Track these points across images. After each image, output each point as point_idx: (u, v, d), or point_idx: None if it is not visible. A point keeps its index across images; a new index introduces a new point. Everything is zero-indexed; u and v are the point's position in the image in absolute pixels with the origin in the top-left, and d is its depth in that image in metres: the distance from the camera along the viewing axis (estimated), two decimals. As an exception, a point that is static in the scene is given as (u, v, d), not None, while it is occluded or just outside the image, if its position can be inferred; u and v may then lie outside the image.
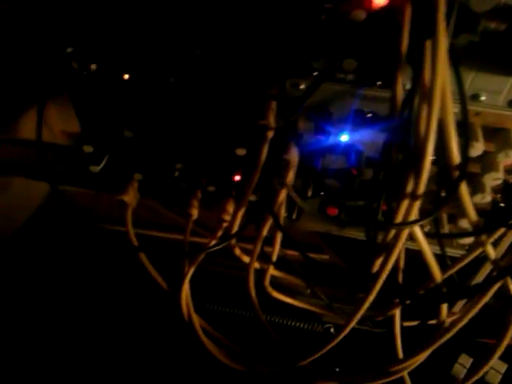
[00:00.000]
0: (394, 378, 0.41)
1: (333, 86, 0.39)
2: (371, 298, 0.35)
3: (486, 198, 0.42)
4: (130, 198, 0.49)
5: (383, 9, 0.32)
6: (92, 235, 0.65)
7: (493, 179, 0.40)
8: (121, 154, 0.48)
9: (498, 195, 0.45)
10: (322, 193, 0.47)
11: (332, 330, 0.61)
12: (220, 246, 0.45)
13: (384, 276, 0.33)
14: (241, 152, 0.43)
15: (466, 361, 0.60)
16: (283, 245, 0.45)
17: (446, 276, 0.36)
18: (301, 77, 0.39)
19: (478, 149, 0.38)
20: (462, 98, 0.31)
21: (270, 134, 0.40)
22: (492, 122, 0.39)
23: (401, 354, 0.44)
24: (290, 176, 0.40)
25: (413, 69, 0.31)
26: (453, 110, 0.28)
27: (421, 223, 0.31)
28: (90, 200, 0.64)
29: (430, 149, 0.26)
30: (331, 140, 0.42)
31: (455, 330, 0.37)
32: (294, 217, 0.48)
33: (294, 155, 0.42)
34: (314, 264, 0.48)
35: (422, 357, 0.39)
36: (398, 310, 0.41)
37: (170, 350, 0.59)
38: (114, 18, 0.39)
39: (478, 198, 0.42)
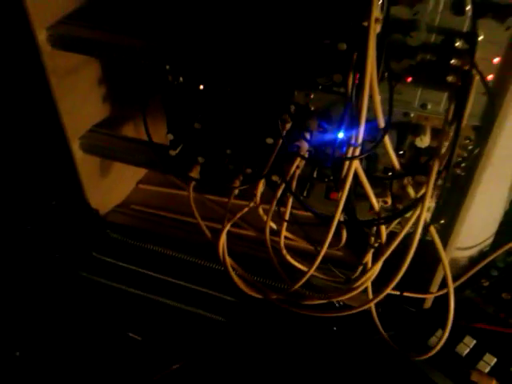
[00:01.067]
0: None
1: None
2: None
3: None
4: (195, 174, 0.72)
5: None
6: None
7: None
8: (190, 143, 0.70)
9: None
10: (327, 179, 0.67)
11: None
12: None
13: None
14: (269, 141, 0.64)
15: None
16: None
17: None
18: (311, 89, 0.60)
19: (425, 141, 0.57)
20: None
21: (288, 126, 0.61)
22: (437, 125, 0.58)
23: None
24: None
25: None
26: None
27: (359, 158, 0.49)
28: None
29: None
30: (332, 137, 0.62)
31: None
32: (304, 194, 0.67)
33: (303, 145, 0.62)
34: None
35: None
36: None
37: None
38: (198, 49, 0.63)
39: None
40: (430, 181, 0.49)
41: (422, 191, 0.51)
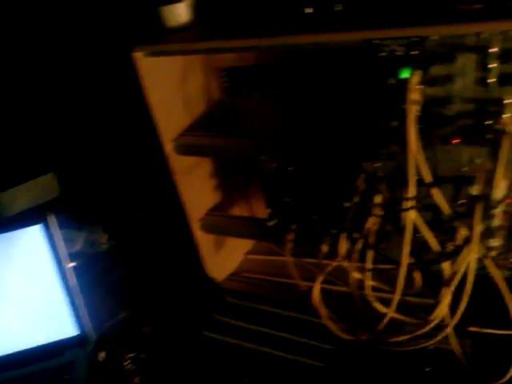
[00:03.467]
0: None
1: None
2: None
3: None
4: (290, 239, 0.87)
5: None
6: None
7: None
8: (284, 213, 0.87)
9: None
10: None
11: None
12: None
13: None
14: (347, 204, 0.78)
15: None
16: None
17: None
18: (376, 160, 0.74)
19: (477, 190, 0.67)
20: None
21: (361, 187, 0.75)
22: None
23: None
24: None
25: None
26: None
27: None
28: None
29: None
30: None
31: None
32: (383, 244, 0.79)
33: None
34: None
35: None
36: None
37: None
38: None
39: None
40: (475, 220, 0.59)
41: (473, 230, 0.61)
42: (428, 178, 0.61)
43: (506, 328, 0.74)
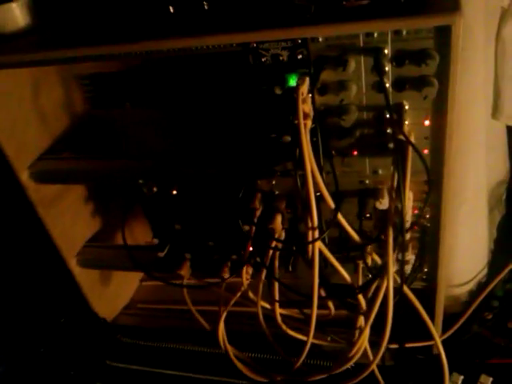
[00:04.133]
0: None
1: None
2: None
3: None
4: (185, 271, 0.76)
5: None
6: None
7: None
8: (175, 242, 0.75)
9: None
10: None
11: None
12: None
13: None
14: (246, 228, 0.69)
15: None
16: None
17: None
18: (272, 177, 0.65)
19: (384, 203, 0.60)
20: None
21: (258, 212, 0.65)
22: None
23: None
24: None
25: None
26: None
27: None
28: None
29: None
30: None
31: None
32: (290, 269, 0.70)
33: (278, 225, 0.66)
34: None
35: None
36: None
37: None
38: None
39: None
40: (389, 247, 0.53)
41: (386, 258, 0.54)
42: (331, 203, 0.53)
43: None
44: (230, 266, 0.74)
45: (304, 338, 0.67)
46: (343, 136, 0.57)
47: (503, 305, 0.82)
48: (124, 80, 0.76)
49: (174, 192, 0.71)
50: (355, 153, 0.60)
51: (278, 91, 0.55)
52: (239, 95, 0.62)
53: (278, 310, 0.68)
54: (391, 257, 0.52)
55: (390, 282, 0.52)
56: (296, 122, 0.52)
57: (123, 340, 0.89)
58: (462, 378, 0.74)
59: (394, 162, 0.56)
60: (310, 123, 0.52)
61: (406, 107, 0.55)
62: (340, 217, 0.53)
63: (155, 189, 0.71)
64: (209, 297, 0.80)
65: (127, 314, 0.95)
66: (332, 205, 0.52)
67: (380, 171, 0.61)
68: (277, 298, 0.67)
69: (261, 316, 0.67)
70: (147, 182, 0.70)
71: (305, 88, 0.53)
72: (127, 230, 0.89)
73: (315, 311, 0.56)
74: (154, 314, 0.94)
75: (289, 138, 0.58)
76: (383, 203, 0.60)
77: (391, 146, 0.57)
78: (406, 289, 0.57)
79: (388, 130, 0.57)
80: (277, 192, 0.66)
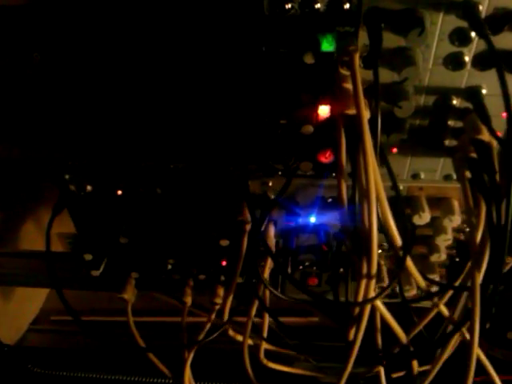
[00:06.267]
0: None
1: (296, 180, 0.46)
2: (349, 365, 0.40)
3: (442, 256, 0.48)
4: (129, 294, 0.55)
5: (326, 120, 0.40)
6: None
7: (443, 240, 0.47)
8: (118, 258, 0.53)
9: (454, 251, 0.51)
10: (301, 267, 0.54)
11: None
12: (212, 337, 0.50)
13: (358, 343, 0.38)
14: (224, 243, 0.49)
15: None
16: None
17: (410, 336, 0.42)
18: (268, 176, 0.46)
19: (424, 218, 0.45)
20: (397, 191, 0.38)
21: (248, 227, 0.46)
22: (434, 194, 0.46)
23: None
24: (269, 261, 0.46)
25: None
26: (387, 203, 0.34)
27: (377, 299, 0.36)
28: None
29: (375, 239, 0.33)
30: (301, 223, 0.49)
31: (430, 378, 0.42)
32: (278, 290, 0.53)
33: (271, 239, 0.48)
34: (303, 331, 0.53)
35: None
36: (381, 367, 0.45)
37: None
38: (104, 146, 0.46)
39: (435, 258, 0.48)
40: (475, 299, 0.36)
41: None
42: (397, 239, 0.36)
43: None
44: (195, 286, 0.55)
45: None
46: (393, 129, 0.39)
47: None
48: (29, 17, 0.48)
49: (119, 192, 0.48)
50: (394, 150, 0.43)
51: (309, 59, 0.35)
52: (232, 55, 0.40)
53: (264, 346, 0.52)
54: (477, 309, 0.36)
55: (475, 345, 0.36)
56: (346, 110, 0.33)
57: (36, 371, 0.66)
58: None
59: (458, 166, 0.40)
60: (368, 114, 0.33)
61: (484, 92, 0.38)
62: (409, 262, 0.36)
63: (89, 187, 0.48)
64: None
65: (38, 331, 0.72)
66: (399, 241, 0.35)
67: (422, 175, 0.44)
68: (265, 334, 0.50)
69: (246, 358, 0.50)
70: (76, 176, 0.47)
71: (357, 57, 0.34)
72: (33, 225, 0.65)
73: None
74: (73, 329, 0.72)
75: (311, 129, 0.39)
76: (423, 218, 0.45)
77: (450, 143, 0.41)
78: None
79: (449, 122, 0.40)
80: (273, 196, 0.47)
